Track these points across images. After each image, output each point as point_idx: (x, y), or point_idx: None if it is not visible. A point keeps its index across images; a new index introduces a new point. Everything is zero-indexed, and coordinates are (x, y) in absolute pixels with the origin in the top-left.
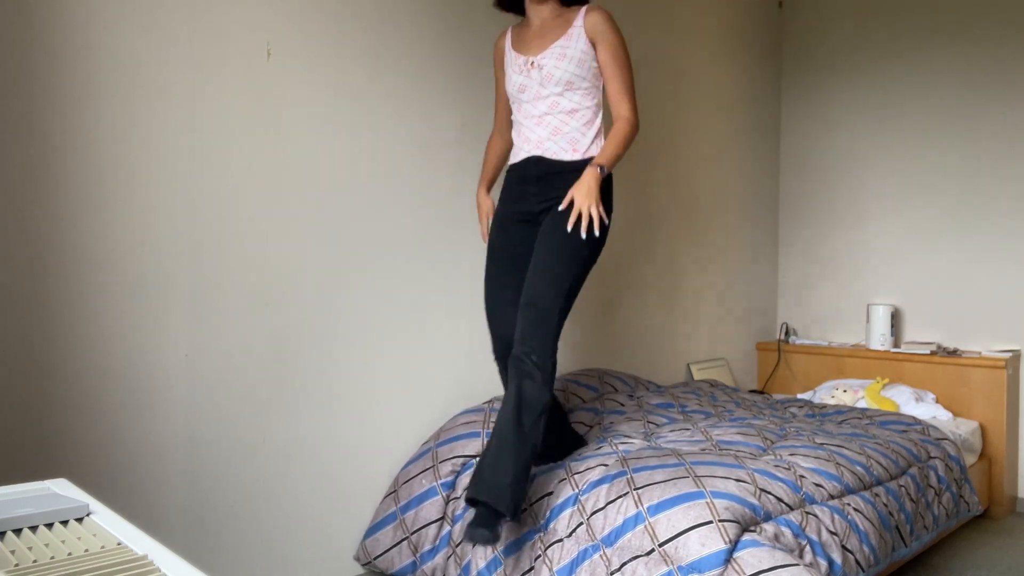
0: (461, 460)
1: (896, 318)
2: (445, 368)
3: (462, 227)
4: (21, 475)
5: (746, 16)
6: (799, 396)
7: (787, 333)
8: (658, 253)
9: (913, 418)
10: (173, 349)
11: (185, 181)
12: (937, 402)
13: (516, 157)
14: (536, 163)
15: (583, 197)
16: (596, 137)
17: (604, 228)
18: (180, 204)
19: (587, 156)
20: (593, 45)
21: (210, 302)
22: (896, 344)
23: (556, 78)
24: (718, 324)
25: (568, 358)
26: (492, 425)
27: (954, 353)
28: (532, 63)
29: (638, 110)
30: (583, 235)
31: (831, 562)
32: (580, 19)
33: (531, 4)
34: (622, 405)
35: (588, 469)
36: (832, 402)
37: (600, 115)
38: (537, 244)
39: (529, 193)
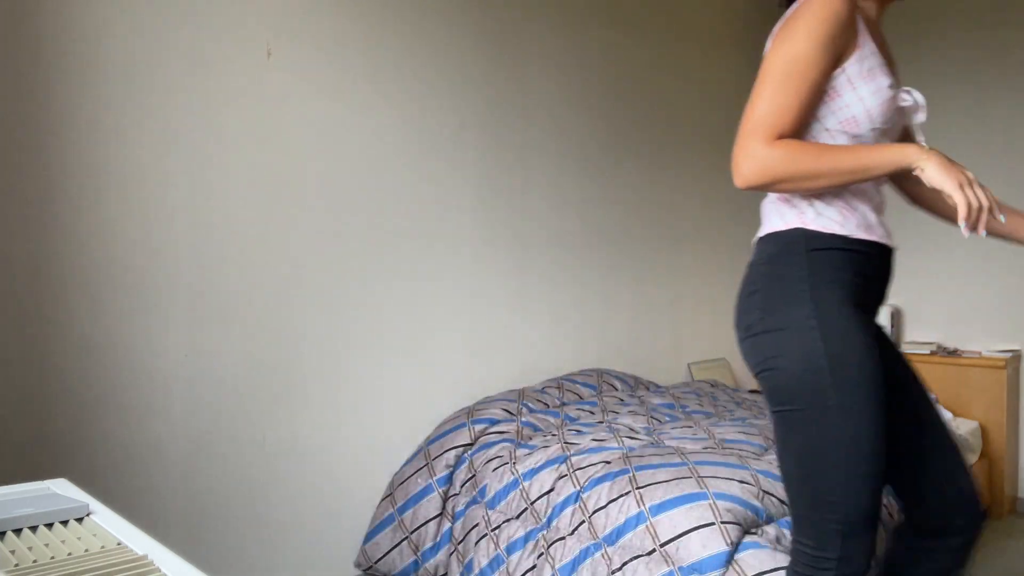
0: (454, 454)
1: (896, 318)
2: (445, 369)
3: (462, 227)
4: (21, 475)
5: (746, 16)
6: None
7: None
8: (658, 252)
9: None
10: (173, 349)
11: (185, 181)
12: (937, 402)
13: (864, 231)
14: (886, 256)
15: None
16: None
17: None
18: (180, 204)
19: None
20: None
21: (210, 302)
22: (896, 344)
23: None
24: (718, 324)
25: (568, 358)
26: (477, 415)
27: (954, 353)
28: (905, 93)
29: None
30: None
31: None
32: None
33: None
34: (623, 401)
35: (590, 465)
36: None
37: None
38: (903, 382)
39: (878, 302)
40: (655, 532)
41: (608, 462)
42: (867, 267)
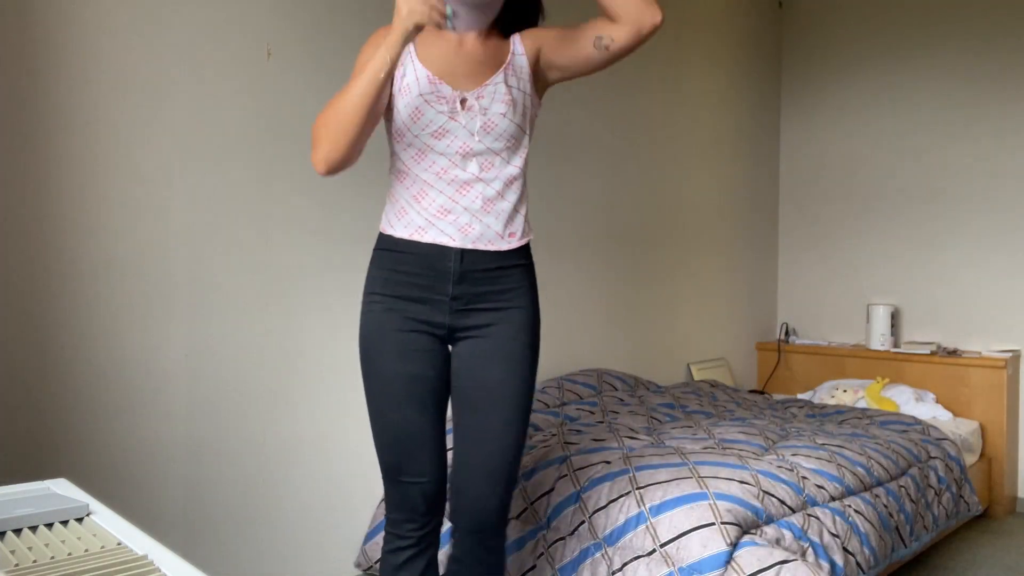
0: (454, 454)
1: (896, 318)
2: None
3: None
4: (21, 475)
5: (746, 16)
6: (799, 396)
7: (787, 333)
8: (658, 253)
9: (913, 418)
10: (173, 349)
11: (185, 181)
12: (937, 402)
13: (410, 232)
14: (459, 257)
15: None
16: (526, 218)
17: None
18: (180, 204)
19: (524, 242)
20: (535, 68)
21: (210, 302)
22: (896, 344)
23: (501, 129)
24: (718, 324)
25: (568, 358)
26: None
27: (954, 353)
28: (464, 101)
29: None
30: None
31: (833, 564)
32: (516, 39)
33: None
34: (623, 401)
35: (590, 465)
36: (832, 402)
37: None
38: (471, 379)
39: (438, 295)
40: (655, 532)
41: (608, 462)
42: (428, 268)
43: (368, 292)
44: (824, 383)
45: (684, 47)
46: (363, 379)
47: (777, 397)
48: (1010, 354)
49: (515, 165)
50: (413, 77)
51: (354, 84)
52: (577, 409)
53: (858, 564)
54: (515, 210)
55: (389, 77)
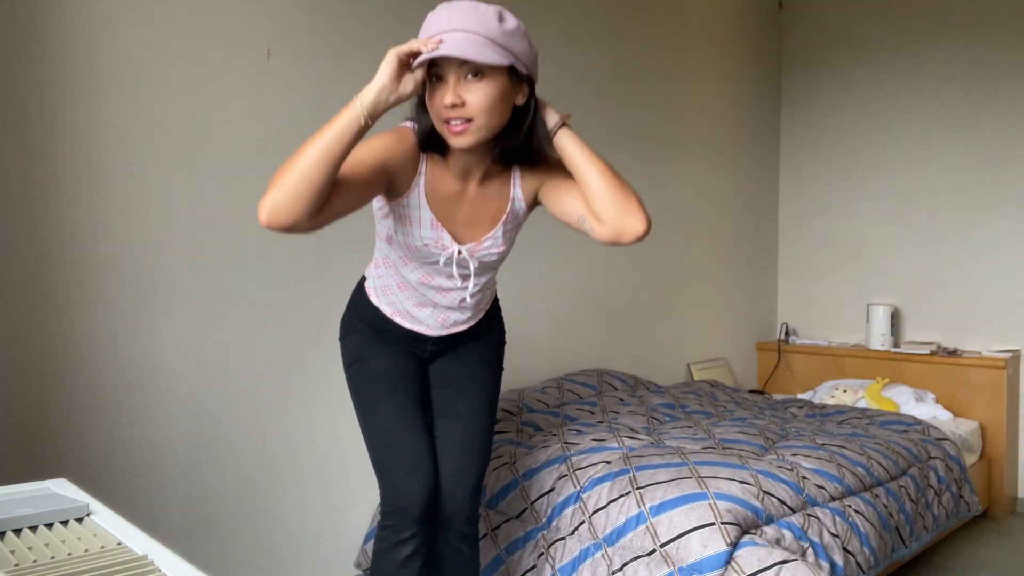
0: None
1: (896, 318)
2: None
3: None
4: (21, 475)
5: (746, 16)
6: (799, 396)
7: (787, 333)
8: (658, 253)
9: (913, 418)
10: (173, 349)
11: (185, 181)
12: (937, 402)
13: (391, 311)
14: (438, 339)
15: None
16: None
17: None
18: (180, 204)
19: (490, 305)
20: (532, 202)
21: (210, 302)
22: (896, 344)
23: (492, 264)
24: (718, 324)
25: (568, 358)
26: None
27: (954, 353)
28: (460, 253)
29: None
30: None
31: (833, 564)
32: (516, 181)
33: (461, 154)
34: (623, 401)
35: (590, 465)
36: (832, 402)
37: None
38: (445, 376)
39: (419, 351)
40: (655, 532)
41: (608, 462)
42: (413, 338)
43: (350, 331)
44: (824, 383)
45: (684, 47)
46: (356, 391)
47: (777, 397)
48: (1010, 354)
49: (495, 268)
50: (417, 214)
51: (321, 135)
52: (577, 409)
53: (858, 564)
54: (487, 290)
55: (362, 136)
